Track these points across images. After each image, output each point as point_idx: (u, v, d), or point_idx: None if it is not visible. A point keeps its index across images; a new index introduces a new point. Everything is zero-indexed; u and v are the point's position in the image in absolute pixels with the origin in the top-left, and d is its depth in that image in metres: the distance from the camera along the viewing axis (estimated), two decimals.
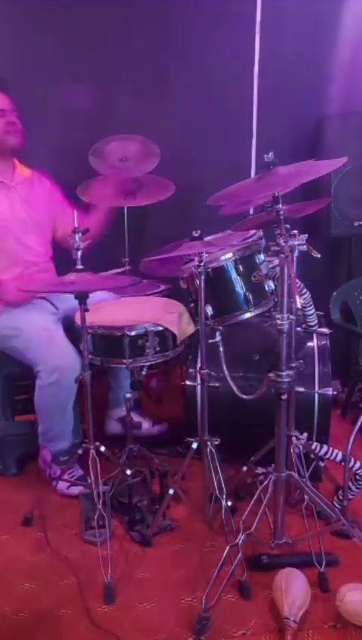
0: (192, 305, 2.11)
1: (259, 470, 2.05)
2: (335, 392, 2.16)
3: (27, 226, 2.38)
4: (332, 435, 2.15)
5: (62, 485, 2.18)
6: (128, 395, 2.01)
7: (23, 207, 2.38)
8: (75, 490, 2.10)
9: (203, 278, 1.88)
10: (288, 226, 1.61)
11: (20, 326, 2.24)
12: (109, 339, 2.00)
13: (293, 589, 1.61)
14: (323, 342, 2.27)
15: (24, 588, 1.77)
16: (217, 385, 2.02)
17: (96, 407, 2.04)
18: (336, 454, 1.95)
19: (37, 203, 2.44)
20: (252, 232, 2.12)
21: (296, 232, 1.64)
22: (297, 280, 1.79)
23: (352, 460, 1.89)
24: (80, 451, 2.04)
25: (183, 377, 2.29)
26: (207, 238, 1.93)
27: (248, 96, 2.99)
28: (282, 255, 1.56)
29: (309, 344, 2.26)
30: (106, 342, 2.01)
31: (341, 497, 1.95)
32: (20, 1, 2.82)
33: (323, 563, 1.72)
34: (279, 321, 1.60)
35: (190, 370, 2.27)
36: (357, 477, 1.93)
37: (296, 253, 1.64)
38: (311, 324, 2.21)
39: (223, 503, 1.89)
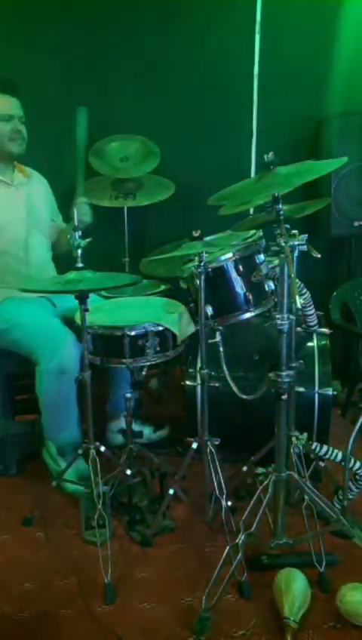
0: (192, 305, 2.11)
1: (259, 470, 2.05)
2: (335, 392, 2.16)
3: (27, 226, 2.38)
4: (332, 435, 2.15)
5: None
6: (128, 395, 2.01)
7: (23, 206, 2.37)
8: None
9: (203, 278, 1.88)
10: (288, 226, 1.61)
11: (16, 317, 2.24)
12: (109, 339, 1.99)
13: (293, 589, 1.60)
14: (323, 342, 2.27)
15: (24, 588, 1.76)
16: (217, 385, 2.02)
17: (96, 406, 2.04)
18: (336, 454, 1.94)
19: (37, 203, 2.44)
20: (252, 232, 2.12)
21: (296, 232, 1.64)
22: (297, 280, 1.79)
23: (352, 459, 1.89)
24: (80, 451, 2.03)
25: (183, 377, 2.29)
26: (207, 238, 1.93)
27: (248, 96, 2.99)
28: (282, 255, 1.56)
29: (309, 344, 2.26)
30: (106, 342, 2.01)
31: (341, 497, 1.95)
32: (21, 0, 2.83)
33: (323, 563, 1.72)
34: (279, 321, 1.60)
35: (190, 370, 2.27)
36: (357, 477, 1.93)
37: (296, 253, 1.64)
38: (311, 324, 2.21)
39: (223, 503, 1.89)
